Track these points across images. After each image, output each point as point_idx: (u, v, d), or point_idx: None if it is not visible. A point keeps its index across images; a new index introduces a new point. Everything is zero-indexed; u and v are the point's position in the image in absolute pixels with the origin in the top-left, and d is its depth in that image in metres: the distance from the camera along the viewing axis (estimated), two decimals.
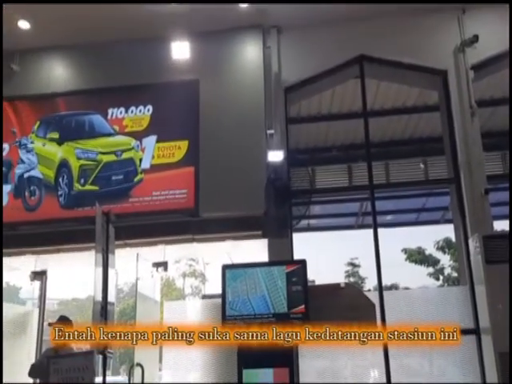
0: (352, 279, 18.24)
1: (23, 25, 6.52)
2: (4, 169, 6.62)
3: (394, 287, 15.43)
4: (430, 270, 16.75)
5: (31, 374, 5.28)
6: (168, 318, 5.84)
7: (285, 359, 4.74)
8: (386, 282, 5.79)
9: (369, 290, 6.77)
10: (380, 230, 5.88)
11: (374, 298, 5.32)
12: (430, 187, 8.49)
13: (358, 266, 18.83)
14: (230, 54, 6.68)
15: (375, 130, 7.13)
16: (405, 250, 16.87)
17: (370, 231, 5.91)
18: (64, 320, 5.50)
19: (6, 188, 6.54)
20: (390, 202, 8.96)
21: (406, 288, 13.50)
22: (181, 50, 6.54)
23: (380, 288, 5.58)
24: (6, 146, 6.71)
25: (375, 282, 5.71)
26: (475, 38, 6.09)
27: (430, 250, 16.39)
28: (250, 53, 6.68)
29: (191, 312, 5.80)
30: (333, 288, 5.25)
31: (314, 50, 6.53)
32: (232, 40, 6.69)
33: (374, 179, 6.15)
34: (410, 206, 9.75)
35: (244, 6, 6.23)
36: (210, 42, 6.66)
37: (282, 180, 5.93)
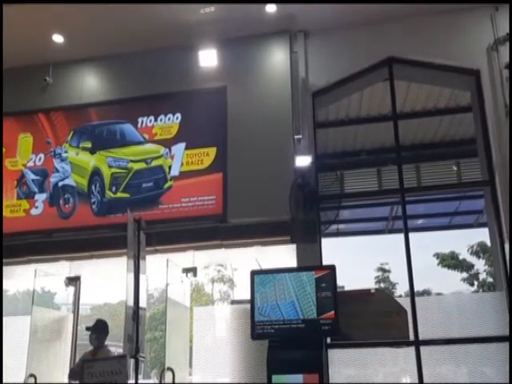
0: (382, 285, 17.94)
1: (57, 38, 6.74)
2: (40, 178, 6.84)
3: (426, 293, 15.10)
4: (464, 275, 16.31)
5: (70, 377, 5.45)
6: (198, 323, 5.90)
7: (314, 365, 4.69)
8: (417, 287, 5.66)
9: (400, 296, 6.63)
10: (411, 235, 5.76)
11: (405, 304, 5.21)
12: (463, 190, 8.28)
13: (389, 271, 18.51)
14: (257, 59, 6.71)
15: (405, 132, 7.02)
16: (437, 255, 16.50)
17: (401, 236, 5.79)
18: (100, 324, 5.65)
19: (42, 196, 6.75)
20: (421, 205, 8.79)
21: (439, 294, 13.18)
22: (208, 58, 6.62)
23: (412, 294, 5.46)
24: (41, 155, 6.94)
25: (406, 287, 5.61)
26: (509, 36, 5.92)
27: (464, 254, 16.00)
28: (276, 58, 6.69)
29: (221, 317, 5.83)
30: (363, 294, 5.18)
31: (341, 53, 6.49)
32: (259, 46, 6.72)
33: (404, 183, 6.05)
34: (442, 210, 9.52)
35: (271, 10, 6.25)
36: (236, 48, 6.71)
37: (310, 185, 5.90)
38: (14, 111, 7.14)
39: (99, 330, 5.64)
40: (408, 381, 5.21)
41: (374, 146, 8.28)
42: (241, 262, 7.91)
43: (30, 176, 6.87)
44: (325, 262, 5.67)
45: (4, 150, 7.05)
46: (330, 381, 5.03)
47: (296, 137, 6.18)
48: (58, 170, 6.84)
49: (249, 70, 6.68)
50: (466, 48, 6.19)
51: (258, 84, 6.62)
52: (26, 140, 7.05)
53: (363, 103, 7.36)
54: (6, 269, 6.84)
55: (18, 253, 6.49)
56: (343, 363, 5.24)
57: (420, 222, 9.77)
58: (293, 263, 5.77)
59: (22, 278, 7.09)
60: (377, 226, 9.85)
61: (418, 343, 5.14)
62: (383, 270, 18.67)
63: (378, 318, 4.91)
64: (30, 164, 6.92)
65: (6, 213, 6.75)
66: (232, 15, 6.29)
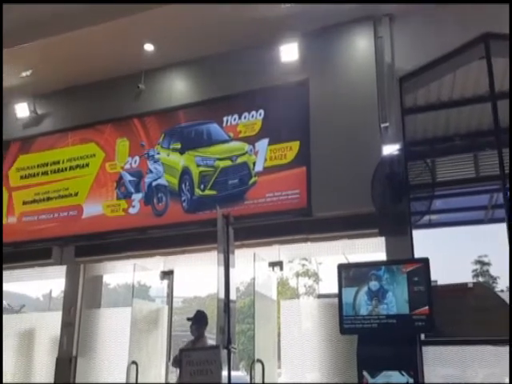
0: (481, 279, 16.62)
1: (148, 47, 7.16)
2: (136, 179, 7.31)
3: None
4: None
5: (173, 364, 5.81)
6: (285, 316, 5.92)
7: (408, 362, 4.49)
8: None
9: (502, 291, 6.10)
10: None
11: (508, 299, 4.78)
12: None
13: (488, 264, 17.07)
14: (340, 48, 6.55)
15: (505, 113, 6.42)
16: None
17: (503, 225, 5.33)
18: (200, 315, 5.90)
19: (138, 196, 7.21)
20: None
21: None
22: (290, 52, 6.61)
23: None
24: (136, 158, 7.40)
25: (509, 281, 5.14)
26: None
27: None
28: (360, 45, 6.48)
29: (308, 311, 5.80)
30: (460, 288, 4.86)
31: (430, 34, 6.11)
32: (341, 35, 6.56)
33: (505, 168, 5.55)
34: None
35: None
36: (318, 39, 6.62)
37: (399, 175, 5.65)
38: (112, 118, 7.72)
39: (199, 320, 5.89)
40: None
41: (469, 129, 7.69)
42: (326, 256, 7.80)
43: (127, 177, 7.37)
44: (416, 255, 5.40)
45: (104, 154, 7.65)
46: (426, 380, 4.78)
47: (383, 125, 5.96)
48: (151, 171, 7.25)
49: (331, 60, 6.55)
50: None
51: (341, 73, 6.46)
52: (123, 144, 7.57)
53: (456, 85, 6.87)
54: (107, 264, 7.46)
55: (118, 249, 7.02)
56: (439, 362, 4.96)
57: None
58: (382, 256, 5.58)
59: (122, 272, 7.63)
60: (474, 216, 9.09)
61: None
62: (482, 263, 17.29)
63: (478, 315, 4.56)
64: (127, 166, 7.42)
65: (107, 212, 7.32)
66: (313, 7, 6.21)
